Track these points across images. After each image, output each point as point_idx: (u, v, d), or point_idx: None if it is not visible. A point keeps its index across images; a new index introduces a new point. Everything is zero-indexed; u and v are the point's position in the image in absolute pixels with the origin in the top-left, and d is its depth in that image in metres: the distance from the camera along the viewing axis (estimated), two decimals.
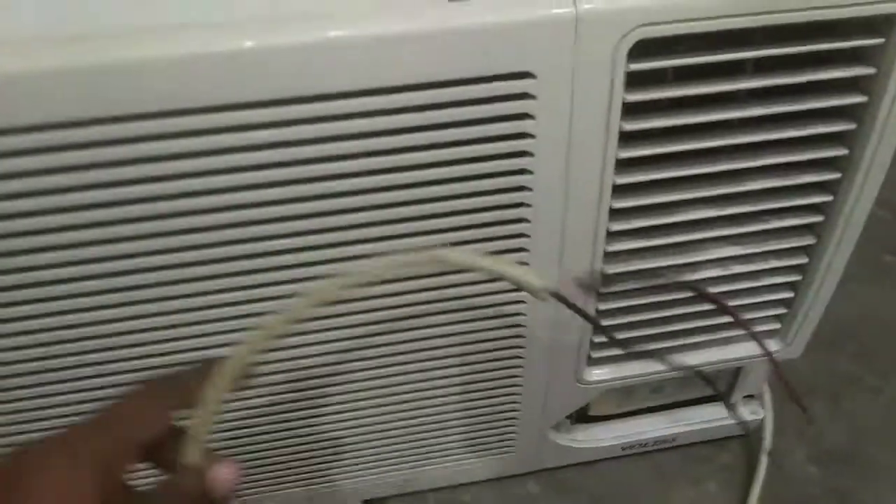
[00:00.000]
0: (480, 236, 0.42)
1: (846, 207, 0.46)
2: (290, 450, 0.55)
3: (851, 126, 0.43)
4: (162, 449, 0.29)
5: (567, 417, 0.63)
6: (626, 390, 0.62)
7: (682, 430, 0.64)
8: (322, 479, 0.58)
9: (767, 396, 0.65)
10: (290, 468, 0.57)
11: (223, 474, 0.29)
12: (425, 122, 0.37)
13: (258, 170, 0.37)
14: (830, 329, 0.78)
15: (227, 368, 0.29)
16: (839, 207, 0.46)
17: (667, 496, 0.63)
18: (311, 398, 0.51)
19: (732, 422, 0.65)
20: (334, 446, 0.55)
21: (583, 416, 0.64)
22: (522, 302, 0.48)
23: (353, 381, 0.51)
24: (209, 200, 0.37)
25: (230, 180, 0.37)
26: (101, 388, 0.46)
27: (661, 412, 0.65)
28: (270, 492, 0.59)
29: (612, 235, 0.45)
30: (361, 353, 0.48)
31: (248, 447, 0.53)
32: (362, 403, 0.52)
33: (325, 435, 0.54)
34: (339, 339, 0.47)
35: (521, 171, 0.40)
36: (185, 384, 0.30)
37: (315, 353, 0.47)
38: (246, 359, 0.29)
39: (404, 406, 0.53)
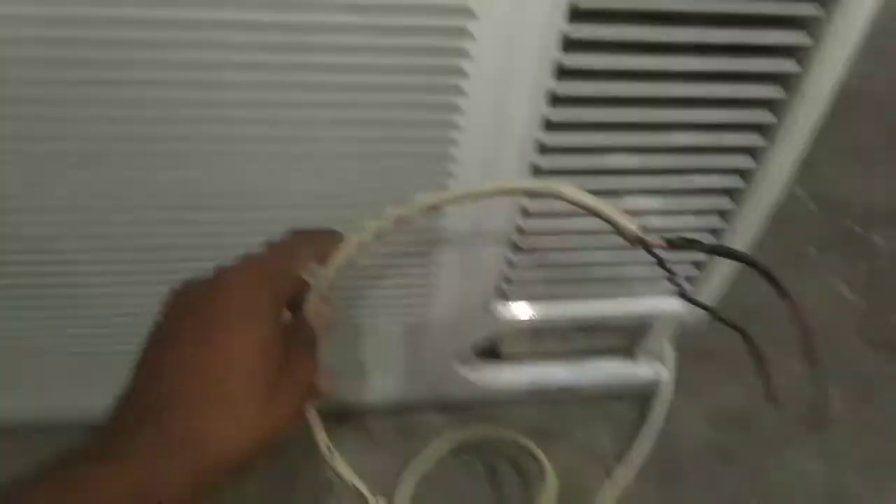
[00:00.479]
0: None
1: (767, 174, 0.47)
2: None
3: (782, 95, 0.44)
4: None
5: (476, 354, 0.64)
6: (535, 335, 0.63)
7: (585, 379, 0.66)
8: None
9: (669, 355, 0.68)
10: None
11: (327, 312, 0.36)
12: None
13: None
14: (744, 305, 0.81)
15: (352, 242, 0.36)
16: (761, 174, 0.47)
17: (559, 440, 0.65)
18: None
19: (633, 376, 0.67)
20: None
21: (491, 355, 0.65)
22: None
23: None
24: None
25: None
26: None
27: (568, 361, 0.67)
28: None
29: (539, 172, 0.46)
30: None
31: None
32: None
33: None
34: None
35: (455, 107, 0.40)
36: (321, 241, 0.36)
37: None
38: (365, 239, 0.36)
39: None
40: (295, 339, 0.34)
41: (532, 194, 0.47)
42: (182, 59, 0.36)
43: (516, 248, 0.51)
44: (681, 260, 0.55)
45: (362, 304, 0.53)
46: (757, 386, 0.72)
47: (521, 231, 0.49)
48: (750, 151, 0.48)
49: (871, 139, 1.13)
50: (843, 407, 0.71)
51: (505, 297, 0.56)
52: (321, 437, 0.39)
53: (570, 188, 0.36)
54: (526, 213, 0.48)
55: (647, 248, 0.37)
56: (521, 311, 0.56)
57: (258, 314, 0.32)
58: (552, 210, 0.48)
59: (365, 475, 0.57)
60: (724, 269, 0.56)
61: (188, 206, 0.43)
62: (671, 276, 0.43)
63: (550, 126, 0.43)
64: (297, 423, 0.34)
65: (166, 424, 0.29)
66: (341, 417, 0.64)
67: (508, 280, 0.54)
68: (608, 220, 0.37)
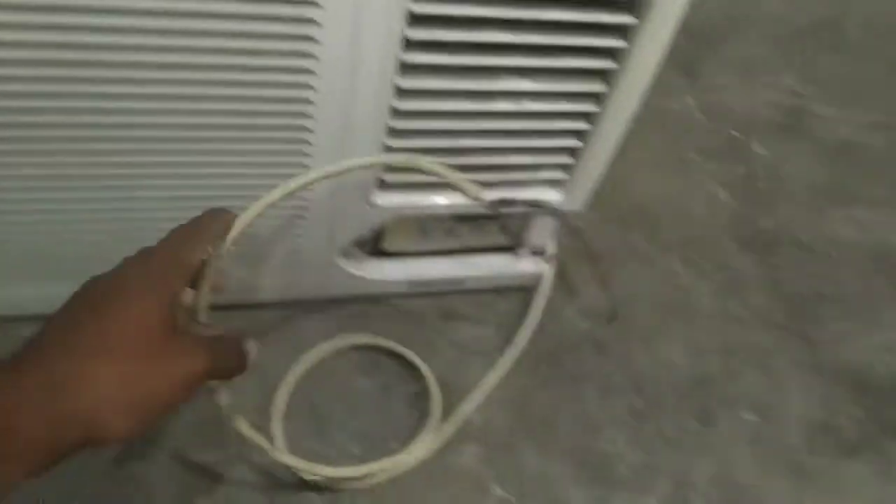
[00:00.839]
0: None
1: (639, 56, 0.48)
2: None
3: None
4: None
5: (360, 249, 0.64)
6: (420, 229, 0.63)
7: (469, 274, 0.67)
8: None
9: (553, 253, 0.69)
10: None
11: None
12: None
13: None
14: (626, 207, 0.84)
15: (241, 221, 0.42)
16: (633, 55, 0.48)
17: (445, 333, 0.66)
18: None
19: (518, 272, 0.68)
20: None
21: (376, 251, 0.65)
22: (308, 116, 0.46)
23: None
24: None
25: None
26: None
27: (453, 256, 0.67)
28: None
29: (411, 44, 0.44)
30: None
31: None
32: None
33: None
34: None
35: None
36: (210, 225, 0.40)
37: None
38: (250, 219, 0.43)
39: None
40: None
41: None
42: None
43: (392, 132, 0.50)
44: (554, 149, 0.55)
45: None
46: (631, 281, 0.76)
47: (396, 113, 0.48)
48: (621, 31, 0.48)
49: (759, 53, 1.16)
50: (709, 301, 0.75)
51: (384, 186, 0.55)
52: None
53: (426, 161, 0.49)
54: (401, 91, 0.47)
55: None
56: (401, 200, 0.56)
57: (148, 292, 0.34)
58: (427, 88, 0.47)
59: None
60: (596, 166, 0.57)
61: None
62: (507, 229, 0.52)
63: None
64: (181, 396, 0.34)
65: (47, 365, 0.31)
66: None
67: (387, 168, 0.53)
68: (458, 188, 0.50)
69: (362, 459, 0.56)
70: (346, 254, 0.62)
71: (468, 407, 0.59)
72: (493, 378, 0.61)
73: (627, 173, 0.86)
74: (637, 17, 0.46)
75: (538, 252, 0.69)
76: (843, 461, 0.64)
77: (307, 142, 0.48)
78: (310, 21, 0.41)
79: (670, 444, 0.62)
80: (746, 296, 0.77)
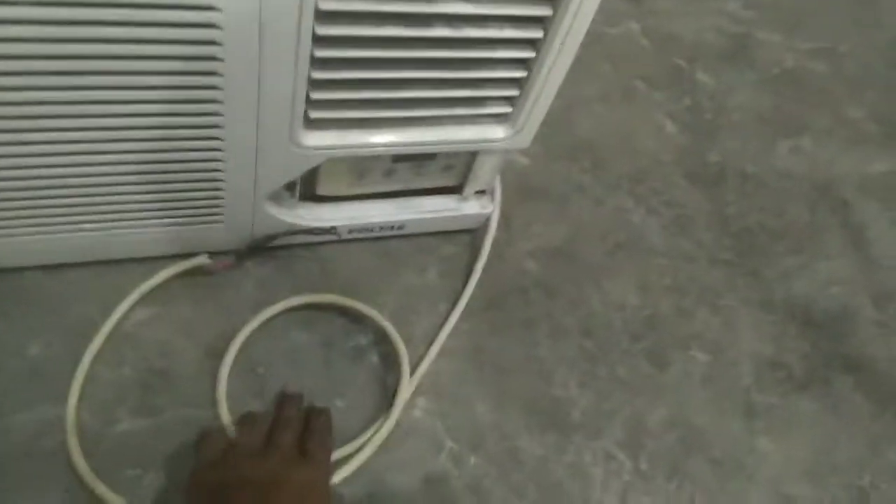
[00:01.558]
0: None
1: None
2: None
3: None
4: None
5: (291, 194, 0.59)
6: (357, 171, 0.58)
7: (410, 217, 0.63)
8: None
9: (498, 192, 0.65)
10: None
11: None
12: None
13: None
14: (573, 142, 0.80)
15: None
16: None
17: (388, 281, 0.62)
18: None
19: (461, 214, 0.64)
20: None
21: (310, 196, 0.60)
22: (217, 43, 0.40)
23: (32, 119, 0.41)
24: None
25: None
26: None
27: (393, 199, 0.63)
28: None
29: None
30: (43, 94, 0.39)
31: None
32: (40, 139, 0.43)
33: None
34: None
35: None
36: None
37: None
38: None
39: (87, 150, 0.45)
40: None
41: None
42: None
43: (316, 61, 0.44)
44: (499, 80, 0.51)
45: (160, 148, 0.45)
46: (580, 222, 0.73)
47: (319, 41, 0.43)
48: None
49: None
50: (659, 239, 0.73)
51: (312, 125, 0.49)
52: None
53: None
54: (321, 15, 0.41)
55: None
56: (331, 139, 0.50)
57: None
58: (352, 10, 0.41)
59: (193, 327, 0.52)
60: (544, 98, 0.52)
61: None
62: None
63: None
64: None
65: None
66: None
67: (313, 103, 0.47)
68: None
69: None
70: (275, 198, 0.57)
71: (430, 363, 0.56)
72: (447, 329, 0.58)
73: (572, 104, 0.82)
74: None
75: (482, 192, 0.65)
76: (792, 397, 0.64)
77: (218, 73, 0.42)
78: None
79: (623, 386, 0.61)
80: (696, 232, 0.75)
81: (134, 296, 0.55)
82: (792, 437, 0.61)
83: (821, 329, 0.70)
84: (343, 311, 0.59)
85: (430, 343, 0.58)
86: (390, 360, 0.57)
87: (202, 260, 0.57)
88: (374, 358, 0.57)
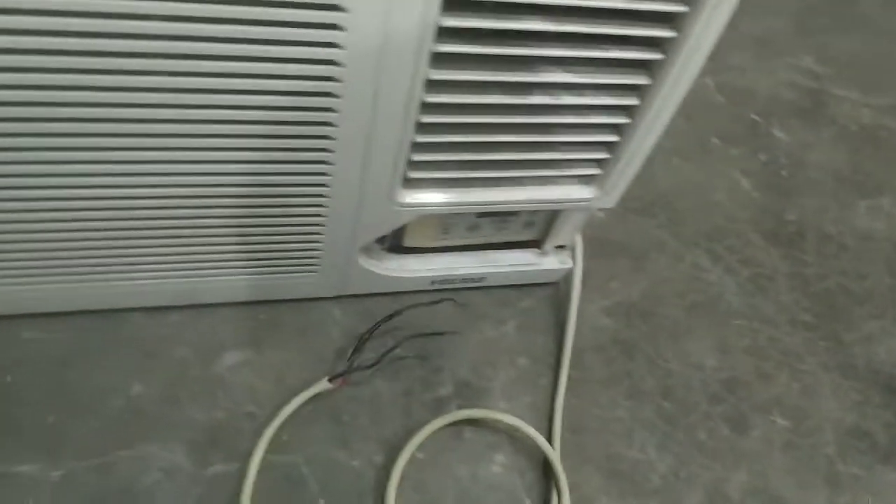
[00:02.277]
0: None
1: (687, 46, 0.44)
2: (50, 236, 0.48)
3: None
4: None
5: (381, 246, 0.60)
6: (443, 225, 0.60)
7: (491, 270, 0.64)
8: (90, 275, 0.52)
9: (578, 248, 0.66)
10: (52, 258, 0.50)
11: None
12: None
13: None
14: (650, 197, 0.80)
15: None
16: (679, 46, 0.44)
17: (468, 333, 0.63)
18: (78, 176, 0.44)
19: (541, 268, 0.65)
20: (105, 238, 0.49)
21: (397, 248, 0.62)
22: (333, 111, 0.42)
23: (135, 175, 0.44)
24: None
25: None
26: None
27: (474, 252, 0.64)
28: (27, 287, 0.52)
29: (443, 32, 0.40)
30: (147, 140, 0.42)
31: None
32: (143, 192, 0.46)
33: (97, 225, 0.48)
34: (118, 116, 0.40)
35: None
36: None
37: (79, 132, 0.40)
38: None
39: (192, 204, 0.48)
40: None
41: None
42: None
43: (421, 126, 0.46)
44: (590, 144, 0.52)
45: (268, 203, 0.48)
46: (657, 279, 0.73)
47: (426, 107, 0.44)
48: (669, 19, 0.44)
49: (774, 30, 1.12)
50: (737, 299, 0.72)
51: (409, 184, 0.51)
52: None
53: None
54: (431, 84, 0.43)
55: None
56: (427, 198, 0.52)
57: None
58: (457, 79, 0.43)
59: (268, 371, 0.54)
60: (633, 162, 0.53)
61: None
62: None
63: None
64: None
65: None
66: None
67: (413, 164, 0.49)
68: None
69: (386, 468, 0.53)
70: (366, 251, 0.59)
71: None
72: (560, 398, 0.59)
73: (649, 160, 0.82)
74: (688, 5, 0.43)
75: (561, 247, 0.66)
76: (877, 469, 0.62)
77: (331, 137, 0.44)
78: (335, 7, 0.37)
79: (702, 451, 0.60)
80: (774, 293, 0.74)
81: (276, 422, 0.55)
82: None
83: None
84: (423, 360, 0.60)
85: (510, 398, 0.59)
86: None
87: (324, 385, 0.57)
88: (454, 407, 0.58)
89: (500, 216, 0.60)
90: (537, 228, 0.64)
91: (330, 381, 0.56)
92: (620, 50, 0.45)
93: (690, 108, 0.93)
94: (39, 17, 0.34)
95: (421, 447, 0.55)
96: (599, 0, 0.41)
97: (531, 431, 0.56)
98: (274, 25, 0.37)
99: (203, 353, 0.57)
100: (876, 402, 0.67)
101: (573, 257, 0.66)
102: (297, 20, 0.37)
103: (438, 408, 0.58)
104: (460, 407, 0.58)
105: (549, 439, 0.58)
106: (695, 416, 0.62)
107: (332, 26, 0.38)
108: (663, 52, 0.45)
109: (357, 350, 0.58)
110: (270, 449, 0.53)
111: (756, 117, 0.96)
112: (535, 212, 0.61)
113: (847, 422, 0.65)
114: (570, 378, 0.62)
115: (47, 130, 0.40)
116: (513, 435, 0.57)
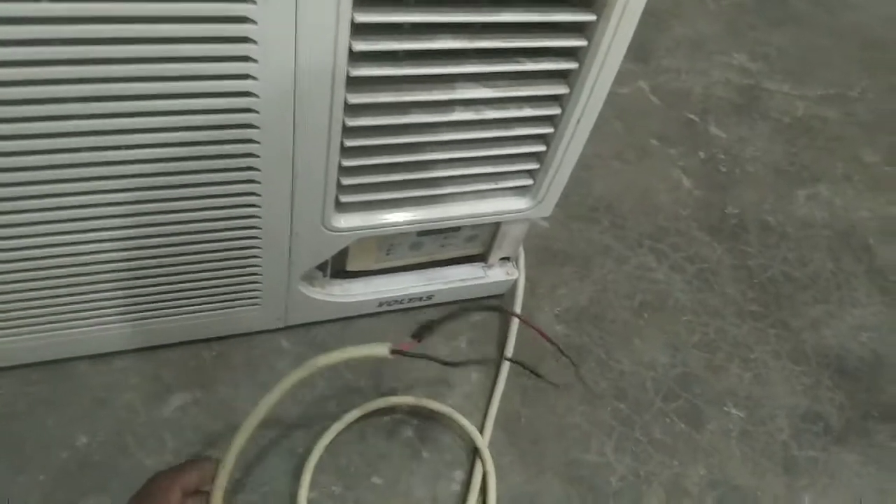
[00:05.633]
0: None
1: (600, 53, 0.45)
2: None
3: None
4: None
5: (322, 272, 0.60)
6: (384, 246, 0.60)
7: (438, 287, 0.64)
8: (38, 327, 0.51)
9: (522, 259, 0.67)
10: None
11: None
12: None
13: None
14: (592, 202, 0.82)
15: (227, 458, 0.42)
16: (593, 53, 0.45)
17: (419, 352, 0.63)
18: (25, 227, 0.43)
19: (487, 281, 0.66)
20: (44, 288, 0.48)
21: (340, 272, 0.61)
22: (254, 141, 0.42)
23: (67, 221, 0.44)
24: None
25: None
26: None
27: (420, 270, 0.64)
28: None
29: (356, 56, 0.41)
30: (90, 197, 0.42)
31: None
32: (80, 238, 0.45)
33: (32, 274, 0.47)
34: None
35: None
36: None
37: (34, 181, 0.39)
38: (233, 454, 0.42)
39: (126, 247, 0.47)
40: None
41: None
42: None
43: (346, 150, 0.46)
44: (519, 156, 0.52)
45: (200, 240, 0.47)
46: (604, 282, 0.74)
47: (349, 131, 0.45)
48: (580, 28, 0.45)
49: (706, 31, 1.15)
50: (685, 295, 0.73)
51: (342, 208, 0.51)
52: None
53: (323, 358, 0.43)
54: (350, 108, 0.43)
55: (405, 353, 0.45)
56: (361, 220, 0.52)
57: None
58: (378, 102, 0.44)
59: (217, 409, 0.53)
60: (563, 169, 0.54)
61: None
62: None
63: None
64: None
65: None
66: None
67: (343, 188, 0.49)
68: (362, 358, 0.45)
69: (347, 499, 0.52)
70: (308, 279, 0.58)
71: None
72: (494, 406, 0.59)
73: (587, 165, 0.84)
74: (596, 14, 0.44)
75: (506, 259, 0.67)
76: (833, 450, 0.63)
77: (255, 168, 0.44)
78: (246, 39, 0.37)
79: (659, 448, 0.60)
80: (720, 286, 0.75)
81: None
82: (837, 491, 0.60)
83: (855, 378, 0.69)
84: (376, 382, 0.60)
85: (467, 414, 0.59)
86: (425, 434, 0.57)
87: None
88: (409, 433, 0.58)
89: (442, 232, 0.61)
90: (480, 242, 0.64)
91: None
92: (534, 62, 0.46)
93: (627, 112, 0.96)
94: None
95: (378, 473, 0.55)
96: (509, 15, 0.42)
97: (463, 421, 0.58)
98: (186, 61, 0.37)
99: (149, 397, 0.56)
100: (827, 384, 0.69)
101: (518, 267, 0.67)
102: (208, 55, 0.37)
103: (395, 430, 0.58)
104: (417, 428, 0.58)
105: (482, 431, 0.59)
106: (650, 415, 0.62)
107: (244, 58, 0.38)
108: (577, 60, 0.46)
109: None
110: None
111: (692, 116, 0.98)
112: (477, 227, 0.61)
113: (800, 407, 0.66)
114: (524, 387, 0.62)
115: None
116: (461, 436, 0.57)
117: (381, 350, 0.44)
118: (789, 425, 0.64)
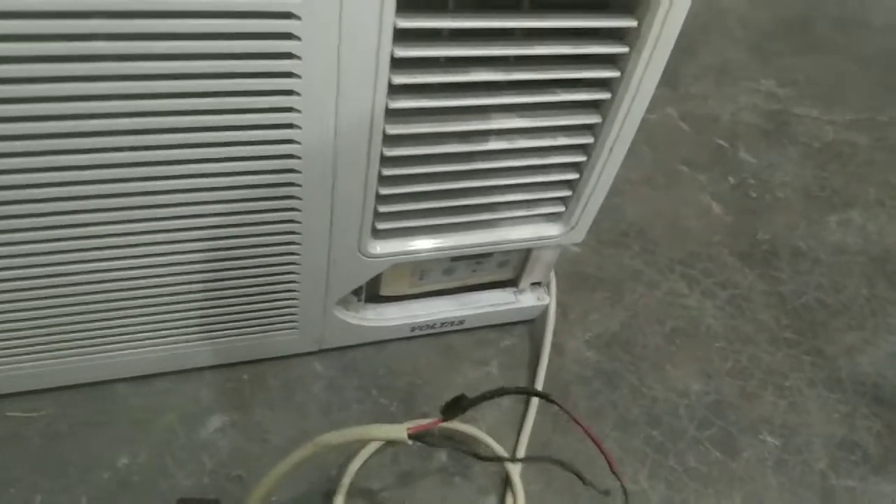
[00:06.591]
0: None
1: (632, 84, 0.46)
2: (30, 315, 0.48)
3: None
4: None
5: (357, 297, 0.61)
6: (418, 271, 0.61)
7: (469, 312, 0.65)
8: (73, 349, 0.53)
9: (553, 284, 0.67)
10: (32, 337, 0.50)
11: None
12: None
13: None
14: (622, 228, 0.82)
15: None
16: (626, 84, 0.46)
17: (450, 377, 0.64)
18: (61, 253, 0.45)
19: (518, 306, 0.66)
20: (87, 313, 0.50)
21: (374, 297, 0.62)
22: (296, 171, 0.44)
23: (117, 247, 0.45)
24: None
25: None
26: None
27: (452, 295, 0.65)
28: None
29: (395, 89, 0.42)
30: (129, 222, 0.43)
31: None
32: (123, 264, 0.47)
33: (76, 299, 0.48)
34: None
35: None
36: None
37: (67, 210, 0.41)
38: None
39: (170, 272, 0.49)
40: None
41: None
42: None
43: (383, 179, 0.47)
44: (552, 183, 0.53)
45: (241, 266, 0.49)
46: (636, 308, 0.74)
47: (386, 160, 0.46)
48: (613, 60, 0.46)
49: (734, 57, 1.16)
50: (717, 321, 0.73)
51: (379, 235, 0.52)
52: None
53: (331, 435, 0.43)
54: (389, 139, 0.45)
55: (424, 441, 0.43)
56: (396, 247, 0.53)
57: None
58: (415, 132, 0.45)
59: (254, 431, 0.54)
60: (595, 196, 0.55)
61: None
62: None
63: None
64: None
65: None
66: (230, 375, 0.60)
67: (380, 216, 0.50)
68: (379, 440, 0.45)
69: None
70: (343, 304, 0.59)
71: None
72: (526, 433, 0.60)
73: (618, 192, 0.84)
74: (629, 46, 0.45)
75: (537, 284, 0.67)
76: (871, 479, 0.62)
77: (297, 196, 0.46)
78: (290, 74, 0.39)
79: (694, 477, 0.60)
80: (753, 312, 0.75)
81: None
82: None
83: (892, 406, 0.68)
84: (408, 406, 0.61)
85: (498, 439, 0.59)
86: (457, 459, 0.58)
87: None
88: (442, 457, 0.58)
89: (474, 258, 0.61)
90: (511, 267, 0.65)
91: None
92: (568, 93, 0.47)
93: (656, 138, 0.96)
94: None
95: (412, 498, 0.55)
96: (544, 48, 0.43)
97: (496, 447, 0.58)
98: (232, 113, 0.39)
99: (189, 419, 0.57)
100: (864, 412, 0.68)
101: (549, 293, 0.67)
102: (253, 101, 0.39)
103: (427, 454, 0.58)
104: (447, 451, 0.58)
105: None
106: (684, 443, 0.62)
107: (287, 97, 0.39)
108: (610, 91, 0.47)
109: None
110: None
111: (721, 142, 0.98)
112: (508, 252, 0.62)
113: (837, 435, 0.65)
114: (555, 414, 0.62)
115: (19, 212, 0.41)
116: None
117: (399, 433, 0.42)
118: (826, 454, 0.64)
